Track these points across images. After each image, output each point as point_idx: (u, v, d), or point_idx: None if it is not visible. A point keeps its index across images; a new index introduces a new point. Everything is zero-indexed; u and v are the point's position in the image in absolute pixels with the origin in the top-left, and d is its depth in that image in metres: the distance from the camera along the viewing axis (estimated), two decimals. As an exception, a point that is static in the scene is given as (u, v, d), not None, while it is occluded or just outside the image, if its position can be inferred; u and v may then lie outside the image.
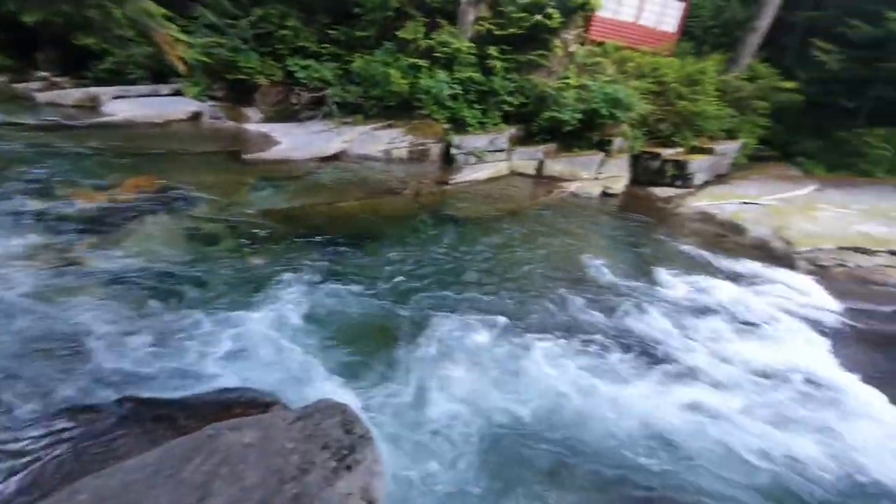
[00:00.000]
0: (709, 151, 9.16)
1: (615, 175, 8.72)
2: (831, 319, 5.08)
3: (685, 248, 6.57)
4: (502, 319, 4.18)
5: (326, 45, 9.02)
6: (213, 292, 4.00)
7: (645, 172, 9.16)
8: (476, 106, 8.33)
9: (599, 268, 5.52)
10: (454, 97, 8.19)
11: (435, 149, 8.18)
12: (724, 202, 8.23)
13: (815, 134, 10.31)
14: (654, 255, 6.21)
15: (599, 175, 8.63)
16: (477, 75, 8.18)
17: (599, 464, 2.96)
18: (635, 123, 8.99)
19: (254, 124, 8.60)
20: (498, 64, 8.21)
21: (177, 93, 8.91)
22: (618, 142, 8.80)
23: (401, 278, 4.69)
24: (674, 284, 5.35)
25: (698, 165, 8.91)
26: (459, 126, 8.26)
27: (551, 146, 8.70)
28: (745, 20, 11.11)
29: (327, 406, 2.26)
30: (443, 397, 3.25)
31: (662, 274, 5.54)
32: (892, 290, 5.85)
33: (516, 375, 3.58)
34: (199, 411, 2.81)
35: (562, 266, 5.50)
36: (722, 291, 5.30)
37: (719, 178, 9.25)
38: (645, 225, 7.37)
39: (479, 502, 2.63)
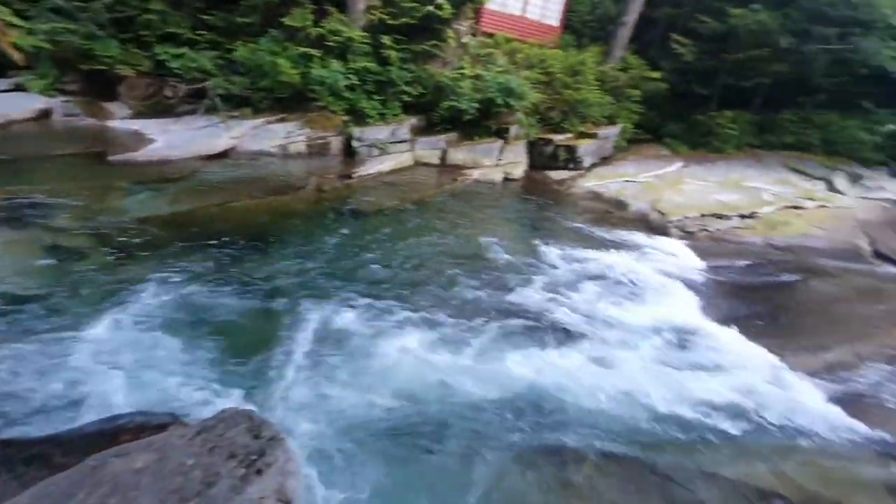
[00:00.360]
0: (594, 136, 10.01)
1: (514, 161, 9.17)
2: (698, 276, 5.87)
3: (578, 224, 7.15)
4: (396, 306, 4.20)
5: (202, 32, 8.22)
6: (80, 311, 3.50)
7: (541, 157, 9.75)
8: (375, 97, 8.21)
9: (498, 249, 5.78)
10: (351, 88, 7.98)
11: (335, 142, 7.92)
12: (609, 181, 9.08)
13: (678, 118, 11.73)
14: (550, 233, 6.66)
15: (500, 162, 9.01)
16: (373, 65, 8.04)
17: (478, 424, 3.13)
18: (529, 112, 9.50)
19: (120, 121, 7.59)
20: (393, 54, 8.15)
21: (18, 87, 7.55)
22: (514, 129, 9.25)
23: (298, 278, 4.50)
24: (567, 257, 5.79)
25: (586, 149, 9.70)
26: (359, 118, 8.08)
27: (453, 135, 8.88)
28: (616, 15, 12.25)
29: (231, 415, 2.12)
30: (332, 388, 3.21)
31: (557, 249, 5.97)
32: (743, 248, 6.91)
33: (400, 360, 3.60)
34: (78, 445, 2.46)
35: (462, 250, 5.66)
36: (609, 260, 5.85)
37: (604, 160, 10.16)
38: (543, 206, 7.87)
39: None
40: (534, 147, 9.73)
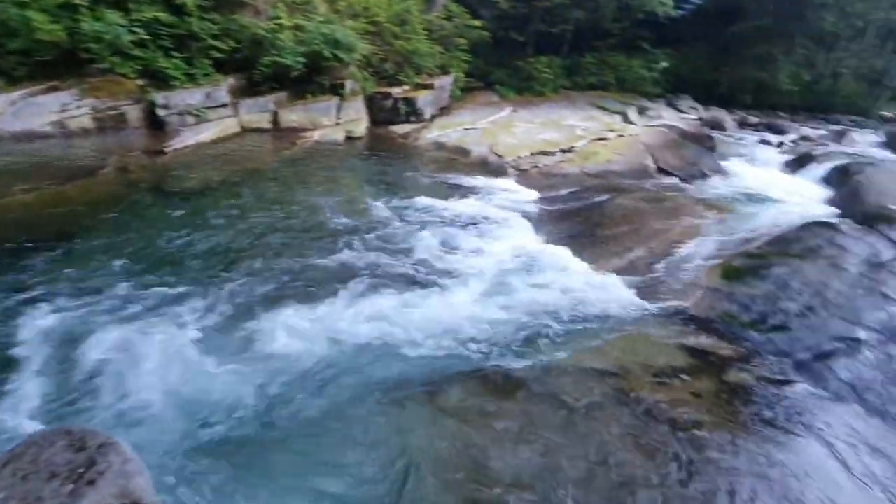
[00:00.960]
0: (431, 87, 10.15)
1: (355, 118, 8.86)
2: (533, 207, 6.55)
3: (426, 175, 7.33)
4: (223, 295, 3.82)
5: None
6: None
7: (382, 112, 9.59)
8: (175, 54, 7.00)
9: (344, 210, 5.64)
10: (142, 44, 6.66)
11: (133, 112, 6.64)
12: (450, 130, 9.40)
13: (503, 64, 12.55)
14: (400, 187, 6.72)
15: (340, 120, 8.63)
16: (164, 15, 6.77)
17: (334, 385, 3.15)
18: (361, 65, 9.16)
19: None
20: (188, 1, 6.96)
21: None
22: (349, 84, 8.86)
23: (104, 279, 3.80)
24: (418, 207, 5.96)
25: (425, 101, 9.82)
26: (160, 81, 6.86)
27: (282, 95, 8.16)
28: (434, -38, 12.25)
29: (43, 436, 1.82)
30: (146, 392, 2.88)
31: (407, 201, 6.08)
32: (566, 178, 7.85)
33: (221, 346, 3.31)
34: None
35: (304, 220, 5.35)
36: (457, 204, 6.18)
37: (443, 111, 10.44)
38: (390, 161, 7.85)
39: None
40: (373, 102, 9.50)
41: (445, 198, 6.38)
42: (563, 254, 5.28)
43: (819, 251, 4.86)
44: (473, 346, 3.58)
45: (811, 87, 16.14)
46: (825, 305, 4.06)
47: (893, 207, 6.04)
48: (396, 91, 9.78)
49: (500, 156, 8.32)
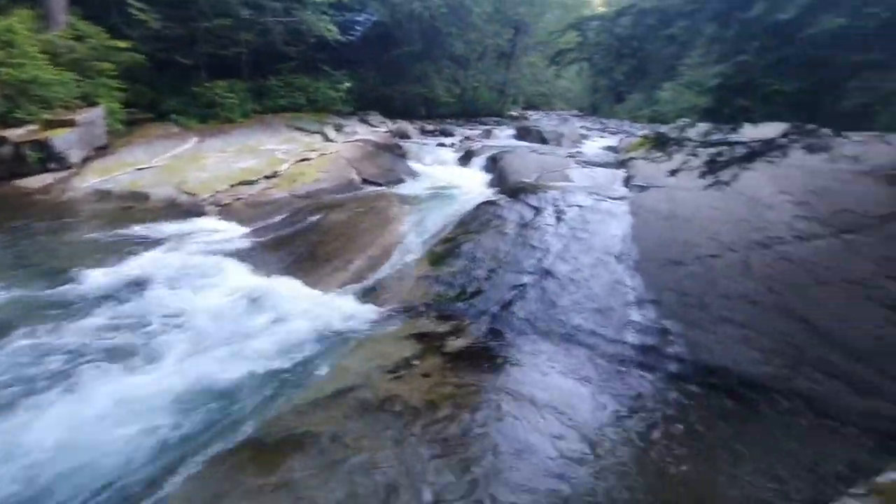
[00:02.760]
0: (71, 123, 7.97)
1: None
2: (244, 243, 5.96)
3: (89, 235, 5.70)
4: None
5: None
6: None
7: (-4, 164, 6.98)
8: None
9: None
10: None
11: None
12: (117, 174, 7.64)
13: (176, 91, 11.03)
14: (50, 263, 5.01)
15: None
16: None
17: None
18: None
19: None
20: None
21: None
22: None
23: None
24: (85, 282, 4.57)
25: (66, 141, 7.64)
26: None
27: None
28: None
29: None
30: None
31: (65, 278, 4.59)
32: (276, 205, 7.47)
33: None
34: None
35: None
36: (146, 262, 5.05)
37: (101, 151, 8.40)
38: (25, 230, 5.76)
39: None
40: (-25, 152, 6.79)
41: (123, 259, 5.10)
42: (288, 283, 5.00)
43: (489, 223, 6.09)
44: (209, 414, 2.94)
45: (461, 97, 20.51)
46: (501, 265, 5.10)
47: (526, 181, 8.18)
48: (17, 133, 7.29)
49: (192, 194, 7.26)
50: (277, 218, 6.92)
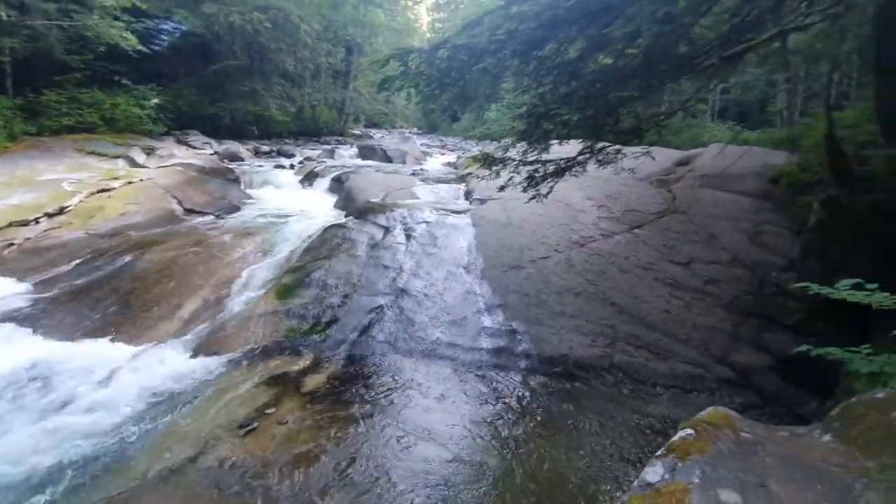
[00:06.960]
0: None
1: None
2: (21, 302, 4.68)
3: None
4: None
5: None
6: None
7: None
8: None
9: None
10: None
11: None
12: None
13: None
14: None
15: None
16: None
17: None
18: None
19: None
20: None
21: None
22: None
23: None
24: None
25: None
26: None
27: None
28: None
29: None
30: None
31: None
32: (66, 249, 6.03)
33: None
34: None
35: None
36: None
37: None
38: None
39: None
40: None
41: None
42: (93, 346, 4.11)
43: (339, 247, 5.89)
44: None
45: (298, 116, 19.67)
46: (355, 289, 4.96)
47: (374, 200, 8.18)
48: None
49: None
50: (70, 265, 5.60)
